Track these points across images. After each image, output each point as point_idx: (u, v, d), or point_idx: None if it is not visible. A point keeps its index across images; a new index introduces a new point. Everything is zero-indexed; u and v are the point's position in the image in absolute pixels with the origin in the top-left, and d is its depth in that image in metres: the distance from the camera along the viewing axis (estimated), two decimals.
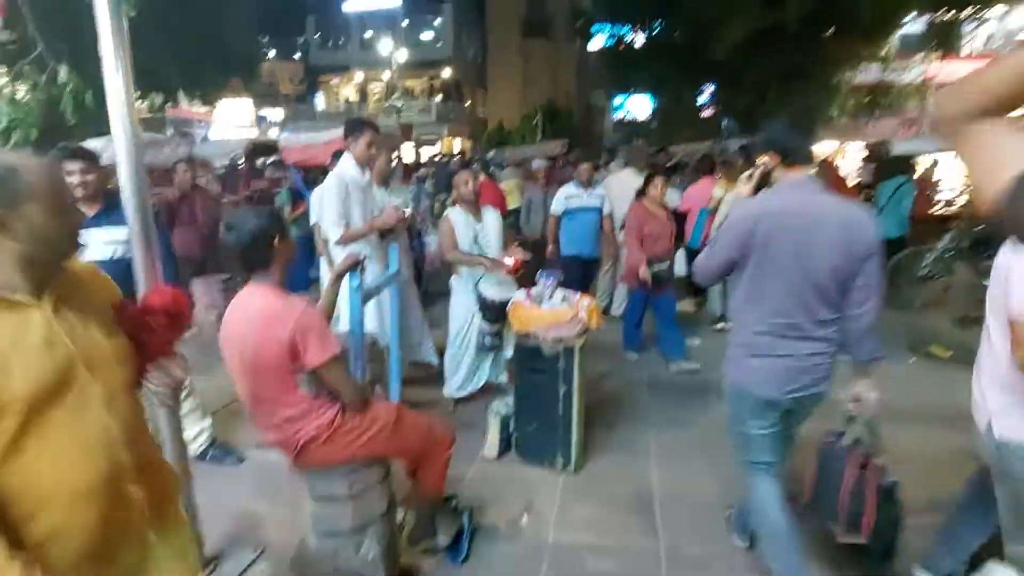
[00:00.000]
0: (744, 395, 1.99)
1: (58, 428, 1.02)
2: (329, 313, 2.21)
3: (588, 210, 4.97)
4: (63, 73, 3.35)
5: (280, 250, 1.75)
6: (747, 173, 2.16)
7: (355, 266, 2.30)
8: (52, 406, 1.02)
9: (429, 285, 6.11)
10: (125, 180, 1.94)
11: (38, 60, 3.34)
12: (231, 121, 26.96)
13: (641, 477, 3.01)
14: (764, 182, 2.05)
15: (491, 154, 12.75)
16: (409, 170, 8.42)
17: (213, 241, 5.91)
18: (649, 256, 4.22)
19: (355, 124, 3.48)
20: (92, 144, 5.84)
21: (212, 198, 6.02)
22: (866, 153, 9.51)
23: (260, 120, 28.29)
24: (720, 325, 5.18)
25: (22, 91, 3.28)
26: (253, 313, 1.71)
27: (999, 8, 14.02)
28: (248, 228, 1.70)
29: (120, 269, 2.62)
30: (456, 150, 26.02)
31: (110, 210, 2.69)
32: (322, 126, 27.60)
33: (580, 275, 5.06)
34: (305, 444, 1.77)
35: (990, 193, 0.68)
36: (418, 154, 23.36)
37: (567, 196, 5.00)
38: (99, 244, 2.66)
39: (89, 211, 2.66)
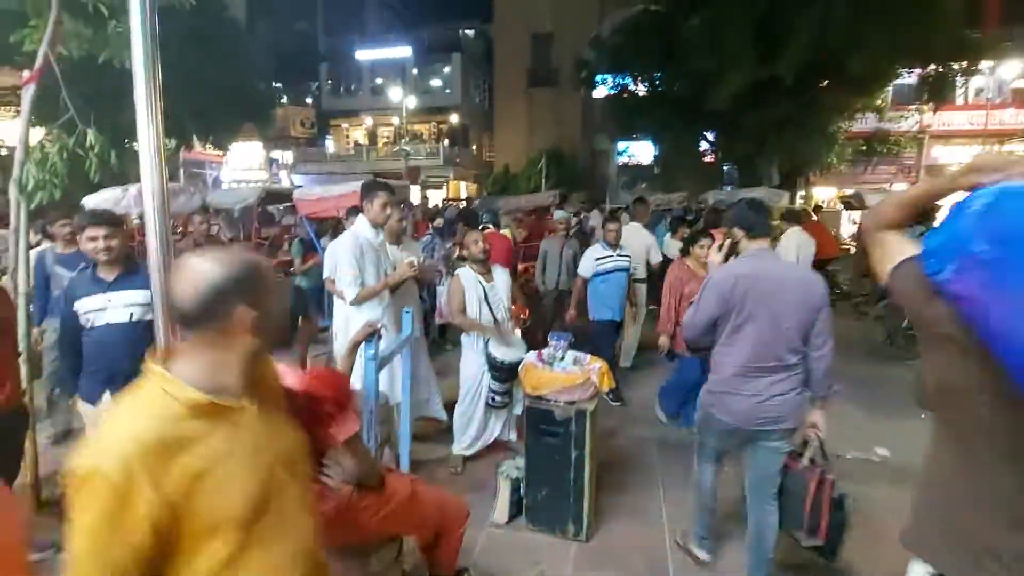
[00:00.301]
0: (711, 422, 2.51)
1: (266, 540, 0.97)
2: None
3: (620, 271, 4.84)
4: (91, 136, 3.50)
5: (302, 329, 1.78)
6: (718, 244, 2.64)
7: (371, 335, 2.34)
8: (261, 516, 0.97)
9: (446, 332, 6.14)
10: (151, 230, 1.98)
11: (67, 123, 3.50)
12: (242, 163, 27.60)
13: (655, 545, 2.96)
14: (732, 251, 2.55)
15: (476, 203, 12.79)
16: (425, 220, 8.53)
17: None
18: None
19: (370, 186, 3.59)
20: (106, 195, 6.04)
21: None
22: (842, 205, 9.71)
23: (271, 162, 28.94)
24: None
25: (52, 153, 3.41)
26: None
27: (990, 61, 14.40)
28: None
29: (138, 331, 2.67)
30: (463, 195, 26.50)
31: (130, 273, 2.75)
32: (332, 169, 28.29)
33: (613, 339, 4.94)
34: (319, 524, 1.76)
35: (885, 272, 1.24)
36: (425, 197, 23.77)
37: (596, 258, 4.80)
38: (119, 307, 2.72)
39: (110, 275, 2.72)
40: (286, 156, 29.35)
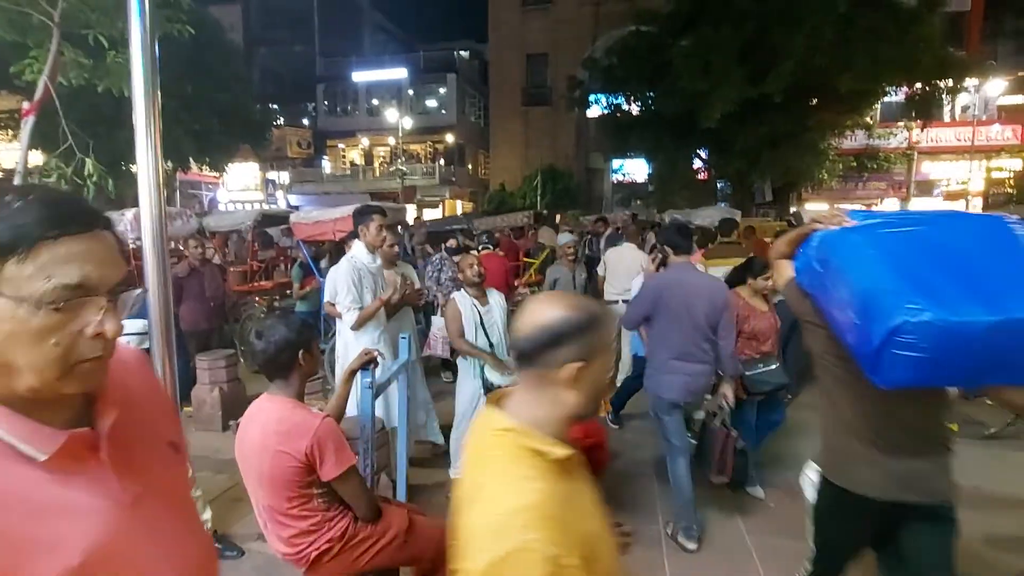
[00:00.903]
0: (660, 400, 3.17)
1: None
2: (341, 412, 2.25)
3: None
4: (90, 164, 3.54)
5: (304, 361, 1.80)
6: (652, 257, 3.53)
7: (367, 363, 2.35)
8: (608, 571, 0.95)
9: (448, 363, 6.07)
10: (149, 254, 1.99)
11: (66, 153, 3.54)
12: (238, 184, 27.73)
13: (654, 571, 2.95)
14: (663, 264, 3.36)
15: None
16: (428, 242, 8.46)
17: (220, 314, 6.01)
18: (752, 357, 3.48)
19: (364, 211, 3.63)
20: None
21: (221, 272, 6.15)
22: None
23: (267, 183, 29.07)
24: None
25: (51, 182, 3.45)
26: (271, 426, 1.74)
27: (974, 79, 14.68)
28: (276, 338, 1.76)
29: None
30: (459, 213, 26.60)
31: None
32: (328, 189, 28.40)
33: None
34: (318, 557, 1.77)
35: (781, 286, 1.97)
36: (421, 216, 23.87)
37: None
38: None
39: None
40: (283, 177, 29.51)
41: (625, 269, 5.36)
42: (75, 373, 0.69)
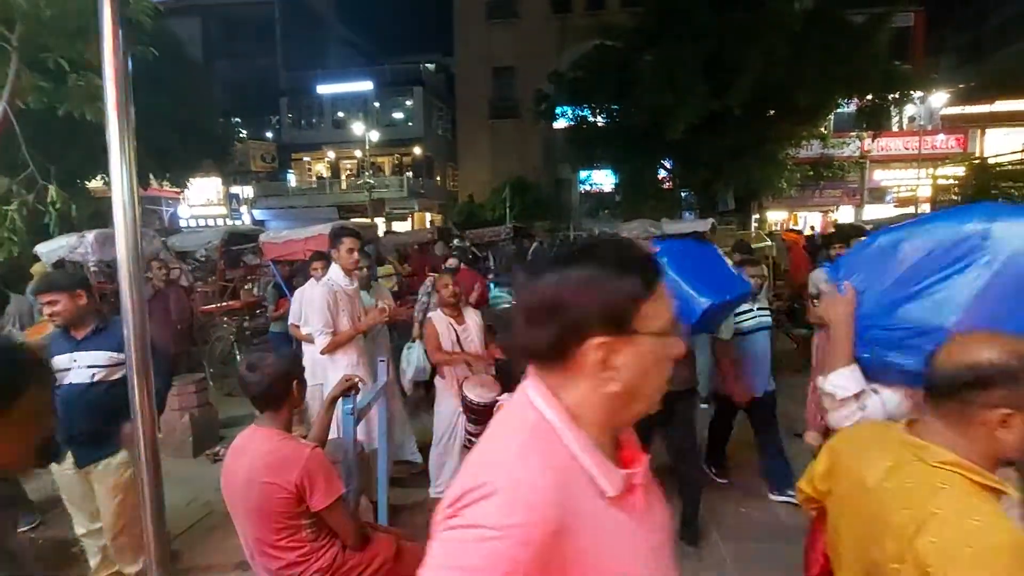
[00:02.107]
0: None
1: None
2: (324, 438, 2.25)
3: (763, 329, 3.79)
4: (52, 192, 3.44)
5: (296, 391, 1.82)
6: None
7: (349, 390, 2.36)
8: None
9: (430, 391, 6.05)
10: (123, 274, 1.97)
11: (27, 179, 3.44)
12: (200, 199, 27.04)
13: None
14: None
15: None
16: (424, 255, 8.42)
17: (187, 337, 5.88)
18: None
19: (335, 232, 3.64)
20: (61, 242, 5.89)
21: (186, 293, 6.02)
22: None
23: (231, 198, 28.44)
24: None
25: (11, 210, 3.34)
26: (259, 457, 1.74)
27: (919, 91, 15.50)
28: (270, 370, 1.77)
29: (97, 392, 2.63)
30: (428, 225, 26.53)
31: (100, 331, 2.70)
32: (293, 203, 27.93)
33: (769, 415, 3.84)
34: None
35: None
36: (389, 229, 23.71)
37: (736, 312, 3.60)
38: (83, 367, 2.67)
39: (79, 334, 2.68)
40: (246, 191, 28.91)
41: None
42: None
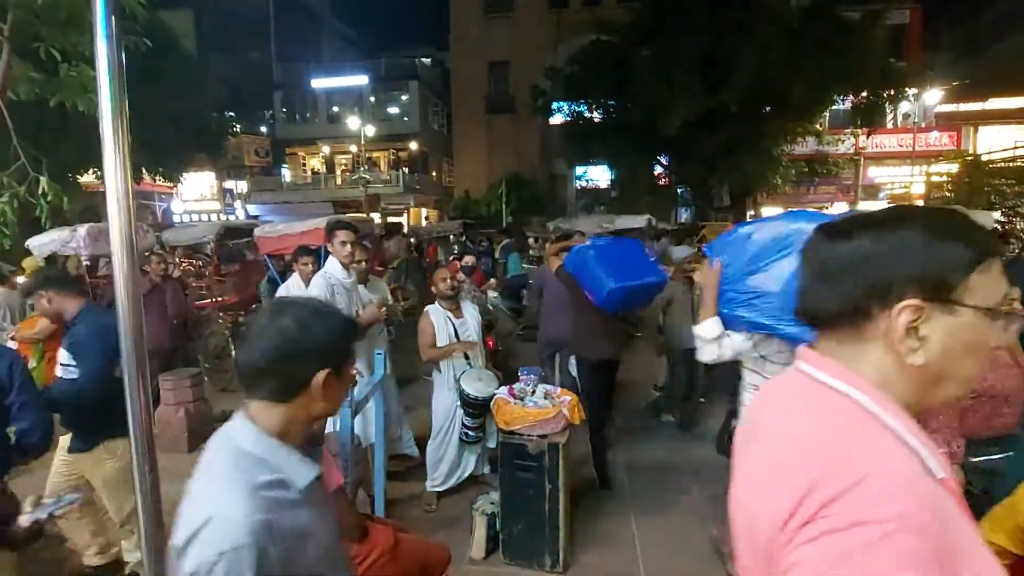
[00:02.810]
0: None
1: None
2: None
3: None
4: (43, 184, 3.41)
5: None
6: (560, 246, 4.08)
7: None
8: None
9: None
10: (118, 268, 1.95)
11: (18, 171, 3.40)
12: (194, 194, 26.87)
13: (629, 572, 3.03)
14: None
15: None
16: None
17: (183, 332, 5.84)
18: (974, 436, 2.18)
19: (330, 226, 3.64)
20: (53, 235, 5.84)
21: (183, 288, 5.98)
22: None
23: (225, 192, 28.26)
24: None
25: (3, 202, 3.31)
26: None
27: (914, 88, 15.55)
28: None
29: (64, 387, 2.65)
30: (424, 221, 26.46)
31: (68, 328, 2.72)
32: (288, 198, 27.78)
33: None
34: None
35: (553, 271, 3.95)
36: (386, 224, 23.62)
37: None
38: (61, 362, 2.69)
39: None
40: (240, 186, 28.73)
41: None
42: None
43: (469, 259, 4.69)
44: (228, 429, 1.08)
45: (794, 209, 2.61)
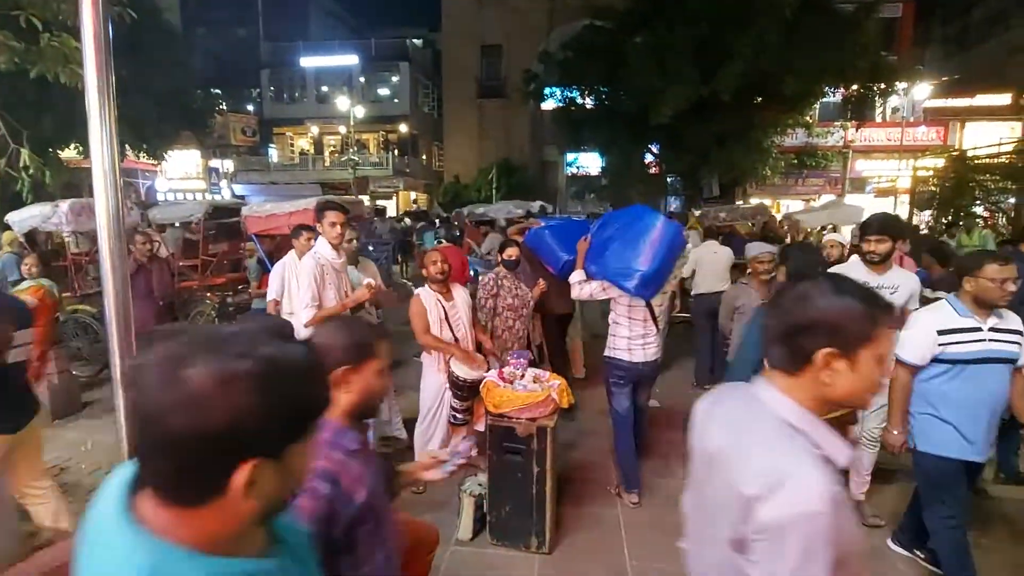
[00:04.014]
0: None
1: None
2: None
3: (998, 361, 2.47)
4: (24, 156, 3.32)
5: None
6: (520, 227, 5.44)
7: None
8: None
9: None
10: (105, 246, 1.91)
11: None
12: (178, 172, 26.39)
13: (614, 554, 3.08)
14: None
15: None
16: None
17: (169, 313, 5.77)
18: None
19: (320, 206, 3.61)
20: (34, 211, 5.72)
21: (169, 268, 5.90)
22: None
23: (210, 171, 27.78)
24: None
25: None
26: None
27: (904, 83, 15.66)
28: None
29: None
30: (414, 205, 26.25)
31: None
32: (275, 178, 27.39)
33: (957, 496, 2.60)
34: None
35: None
36: (374, 207, 23.42)
37: (942, 330, 2.49)
38: None
39: None
40: (226, 165, 28.26)
41: (719, 268, 5.88)
42: None
43: (511, 251, 4.36)
44: (757, 393, 1.09)
45: (639, 204, 4.09)
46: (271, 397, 0.64)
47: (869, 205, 13.57)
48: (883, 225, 3.12)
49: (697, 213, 10.43)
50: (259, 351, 0.66)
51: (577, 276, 3.54)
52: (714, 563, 1.08)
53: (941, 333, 2.49)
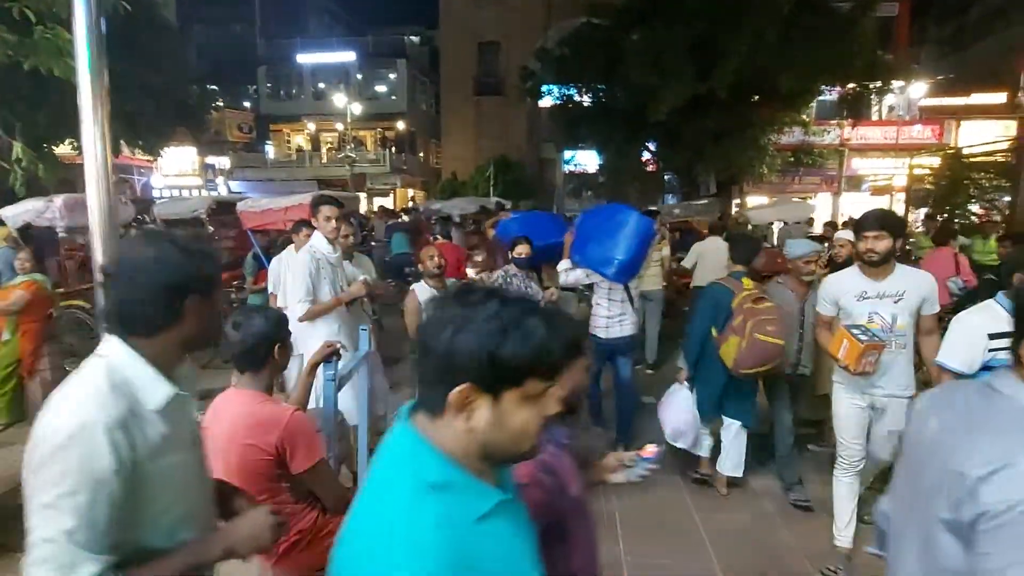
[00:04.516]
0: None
1: None
2: (304, 402, 2.23)
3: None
4: (18, 150, 3.30)
5: (278, 355, 1.79)
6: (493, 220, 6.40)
7: (330, 356, 2.34)
8: None
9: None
10: (97, 240, 1.92)
11: None
12: (174, 169, 26.27)
13: (609, 551, 3.08)
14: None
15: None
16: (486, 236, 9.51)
17: None
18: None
19: (315, 201, 3.59)
20: (28, 206, 5.69)
21: None
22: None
23: (207, 168, 27.67)
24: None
25: None
26: (239, 418, 1.71)
27: (900, 81, 15.70)
28: (253, 330, 1.73)
29: None
30: (411, 203, 26.20)
31: None
32: (272, 175, 27.30)
33: None
34: (287, 549, 1.77)
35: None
36: (371, 204, 23.39)
37: (993, 334, 2.14)
38: None
39: None
40: (223, 162, 28.15)
41: (720, 262, 5.87)
42: None
43: (522, 248, 4.27)
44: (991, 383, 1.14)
45: (615, 203, 4.75)
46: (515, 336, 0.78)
47: (865, 203, 13.62)
48: (881, 219, 2.69)
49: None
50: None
51: (564, 265, 4.15)
52: (920, 548, 1.11)
53: (992, 337, 2.11)
